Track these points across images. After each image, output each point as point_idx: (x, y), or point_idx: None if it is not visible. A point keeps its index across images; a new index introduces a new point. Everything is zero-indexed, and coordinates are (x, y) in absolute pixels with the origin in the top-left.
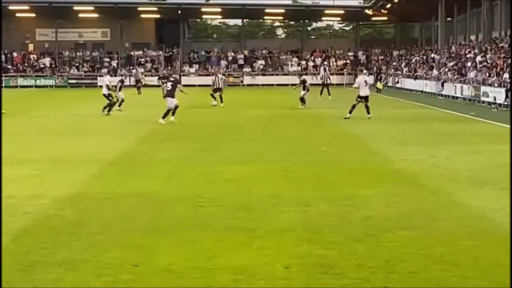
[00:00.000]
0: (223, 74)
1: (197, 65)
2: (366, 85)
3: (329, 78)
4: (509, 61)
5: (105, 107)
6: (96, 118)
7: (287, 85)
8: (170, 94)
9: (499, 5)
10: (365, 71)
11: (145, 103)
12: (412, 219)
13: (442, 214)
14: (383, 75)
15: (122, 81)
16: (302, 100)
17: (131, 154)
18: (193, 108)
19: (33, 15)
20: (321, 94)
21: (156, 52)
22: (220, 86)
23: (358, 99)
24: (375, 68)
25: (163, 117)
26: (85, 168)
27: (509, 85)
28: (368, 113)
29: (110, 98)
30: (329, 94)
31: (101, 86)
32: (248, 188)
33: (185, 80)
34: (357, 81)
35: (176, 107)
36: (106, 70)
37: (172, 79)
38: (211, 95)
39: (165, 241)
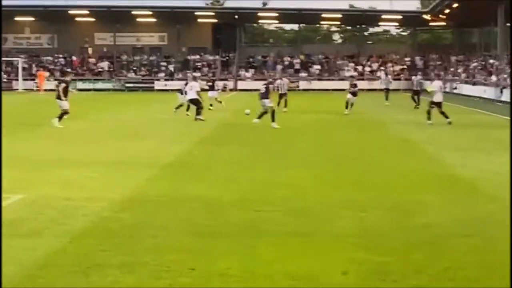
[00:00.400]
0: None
1: (253, 70)
2: (441, 91)
3: (390, 83)
4: None
5: (197, 113)
6: (153, 122)
7: (343, 90)
8: (264, 96)
9: None
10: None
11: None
12: (472, 226)
13: (503, 222)
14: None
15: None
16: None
17: (187, 157)
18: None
19: (92, 19)
20: (386, 99)
21: (212, 56)
22: (285, 91)
23: (432, 105)
24: (432, 74)
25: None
26: (142, 171)
27: None
28: (447, 117)
29: (200, 102)
30: (386, 99)
31: (177, 90)
32: (305, 193)
33: (241, 84)
34: (434, 86)
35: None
36: (192, 75)
37: (266, 82)
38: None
39: (222, 245)
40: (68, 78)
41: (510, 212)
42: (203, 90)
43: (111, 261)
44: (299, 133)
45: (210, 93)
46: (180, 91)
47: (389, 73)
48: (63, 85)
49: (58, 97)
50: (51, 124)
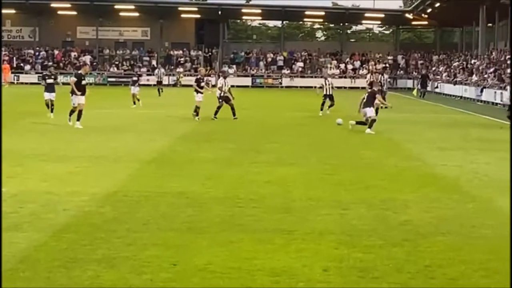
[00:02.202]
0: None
1: (236, 66)
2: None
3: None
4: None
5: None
6: (135, 117)
7: None
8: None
9: None
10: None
11: (186, 103)
12: (452, 225)
13: (482, 221)
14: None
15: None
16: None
17: (169, 153)
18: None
19: (75, 13)
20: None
21: (195, 52)
22: (331, 92)
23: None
24: (415, 73)
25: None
26: (124, 166)
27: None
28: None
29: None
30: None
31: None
32: (287, 190)
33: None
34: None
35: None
36: (227, 70)
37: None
38: (323, 103)
39: (203, 241)
40: (81, 71)
41: (510, 212)
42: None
43: (92, 256)
44: (284, 130)
45: (132, 89)
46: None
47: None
48: (73, 78)
49: (71, 92)
50: (73, 126)
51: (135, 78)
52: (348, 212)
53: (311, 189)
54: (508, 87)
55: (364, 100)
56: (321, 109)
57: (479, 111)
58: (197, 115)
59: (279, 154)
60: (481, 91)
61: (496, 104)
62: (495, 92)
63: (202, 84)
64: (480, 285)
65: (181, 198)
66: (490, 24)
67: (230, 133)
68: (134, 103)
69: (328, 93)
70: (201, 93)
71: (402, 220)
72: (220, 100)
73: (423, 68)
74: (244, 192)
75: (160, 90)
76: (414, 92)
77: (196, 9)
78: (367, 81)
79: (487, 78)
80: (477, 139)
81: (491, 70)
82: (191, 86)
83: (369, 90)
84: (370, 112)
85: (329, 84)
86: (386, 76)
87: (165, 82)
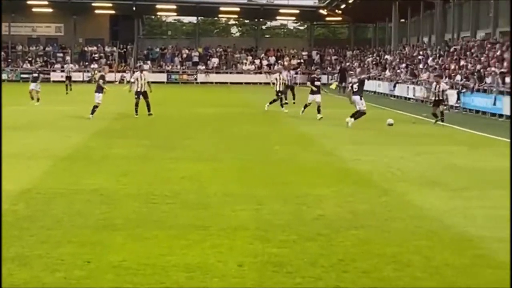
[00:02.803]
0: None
1: (152, 62)
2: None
3: (295, 78)
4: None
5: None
6: (48, 113)
7: (241, 83)
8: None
9: (452, 8)
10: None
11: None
12: (365, 218)
13: (394, 214)
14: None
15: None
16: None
17: (84, 150)
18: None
19: None
20: (293, 98)
21: (110, 48)
22: (281, 88)
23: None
24: (329, 68)
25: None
26: (38, 163)
27: (474, 86)
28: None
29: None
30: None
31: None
32: (202, 186)
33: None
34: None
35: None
36: (142, 65)
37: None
38: (278, 95)
39: (117, 237)
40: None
41: (510, 213)
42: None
43: (6, 254)
44: (199, 126)
45: (32, 85)
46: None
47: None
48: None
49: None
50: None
51: (35, 75)
52: (263, 208)
53: (227, 185)
54: (422, 84)
55: (356, 89)
56: (282, 106)
57: (393, 106)
58: (92, 113)
59: (195, 150)
60: (394, 86)
61: (409, 99)
62: (408, 87)
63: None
64: (391, 278)
65: (96, 195)
66: (402, 20)
67: (145, 129)
68: (32, 98)
69: (279, 89)
70: (102, 92)
71: (317, 214)
72: (136, 96)
73: (337, 63)
74: (159, 188)
75: (69, 86)
76: (333, 85)
77: (110, 5)
78: (271, 80)
79: (400, 73)
80: (390, 133)
81: (404, 65)
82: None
83: (358, 78)
84: (358, 101)
85: (282, 79)
86: (292, 72)
87: (78, 78)
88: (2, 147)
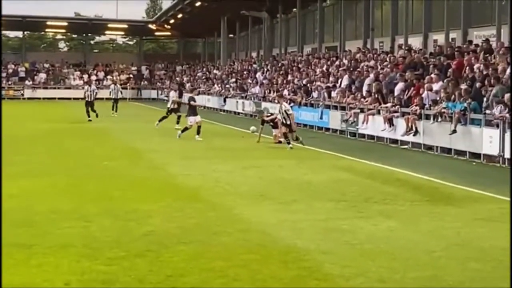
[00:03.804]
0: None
1: None
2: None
3: (120, 92)
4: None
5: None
6: None
7: (69, 99)
8: None
9: (279, 23)
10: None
11: None
12: (193, 233)
13: (222, 229)
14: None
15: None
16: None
17: None
18: None
19: None
20: (115, 110)
21: None
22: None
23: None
24: (159, 84)
25: None
26: None
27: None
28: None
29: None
30: (115, 110)
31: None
32: (30, 203)
33: None
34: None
35: None
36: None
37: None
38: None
39: None
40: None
41: (510, 213)
42: None
43: None
44: (30, 142)
45: None
46: None
47: (117, 82)
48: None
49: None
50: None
51: None
52: (91, 224)
53: (55, 202)
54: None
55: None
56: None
57: (222, 120)
58: None
59: (26, 166)
60: (224, 100)
61: (238, 113)
62: (237, 102)
63: None
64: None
65: None
66: (231, 35)
67: None
68: None
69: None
70: None
71: (146, 230)
72: None
73: (167, 78)
74: None
75: None
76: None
77: None
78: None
79: (229, 88)
80: (220, 148)
81: (233, 80)
82: None
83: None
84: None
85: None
86: (93, 87)
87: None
88: None
